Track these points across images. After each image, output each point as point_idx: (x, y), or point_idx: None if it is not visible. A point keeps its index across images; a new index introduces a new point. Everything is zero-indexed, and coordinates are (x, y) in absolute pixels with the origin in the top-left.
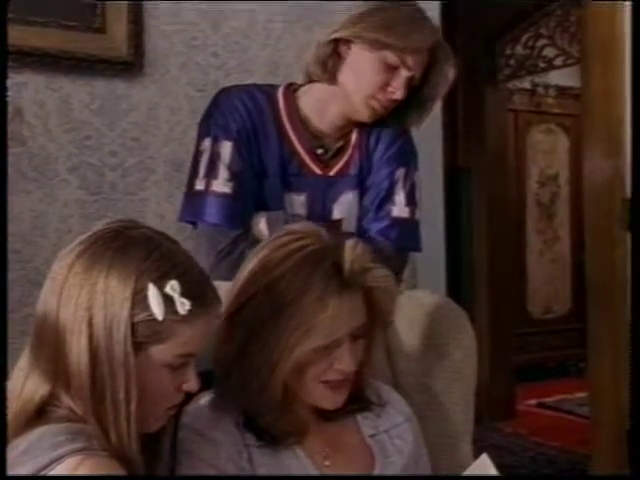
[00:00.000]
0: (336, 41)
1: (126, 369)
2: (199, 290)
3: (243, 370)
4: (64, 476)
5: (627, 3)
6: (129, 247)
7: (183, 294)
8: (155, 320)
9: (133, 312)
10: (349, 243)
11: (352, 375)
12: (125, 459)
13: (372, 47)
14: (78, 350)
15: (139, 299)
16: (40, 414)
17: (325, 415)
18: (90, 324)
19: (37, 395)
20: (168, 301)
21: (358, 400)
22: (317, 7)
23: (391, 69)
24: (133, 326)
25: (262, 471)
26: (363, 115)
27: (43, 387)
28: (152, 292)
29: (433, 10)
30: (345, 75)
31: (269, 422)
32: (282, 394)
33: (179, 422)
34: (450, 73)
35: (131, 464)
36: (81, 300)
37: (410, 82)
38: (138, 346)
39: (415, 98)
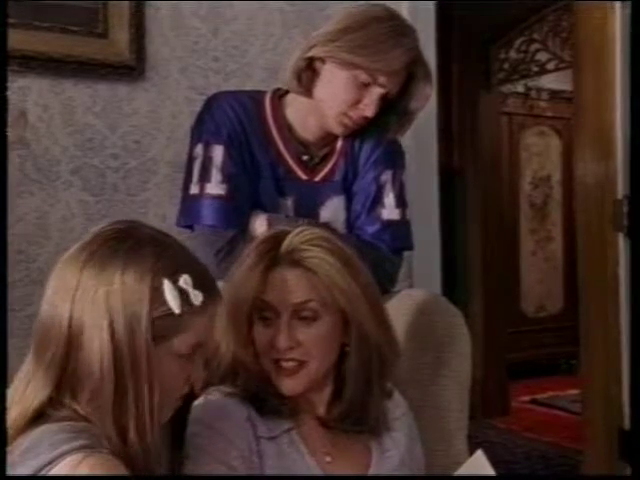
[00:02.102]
0: (311, 57)
1: (149, 363)
2: (207, 282)
3: (223, 357)
4: (64, 476)
5: (618, 9)
6: (140, 246)
7: (195, 287)
8: (172, 314)
9: (151, 308)
10: (299, 228)
11: (300, 359)
12: (138, 454)
13: (344, 67)
14: (101, 349)
15: (156, 295)
16: (38, 418)
17: (328, 426)
18: (111, 323)
19: (37, 400)
20: (183, 294)
21: (364, 422)
22: (315, 13)
23: (363, 86)
24: (152, 321)
25: (268, 465)
26: (336, 130)
27: (43, 392)
28: (168, 287)
29: (428, 15)
30: (319, 90)
31: (260, 394)
32: (260, 372)
33: (189, 417)
34: (427, 90)
35: (149, 456)
36: (98, 300)
37: (384, 98)
38: (157, 340)
39: (395, 110)
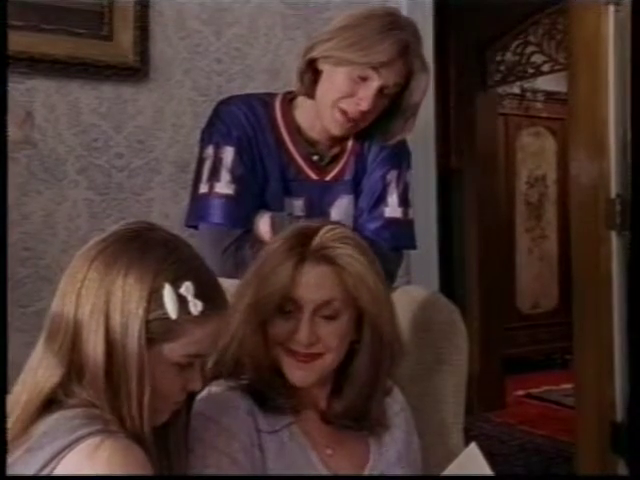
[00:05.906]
0: (310, 59)
1: (139, 363)
2: (211, 293)
3: (235, 350)
4: (65, 476)
5: (611, 11)
6: (148, 248)
7: (196, 295)
8: (169, 319)
9: (148, 309)
10: (329, 225)
11: (317, 352)
12: (141, 444)
13: (340, 64)
14: (95, 343)
15: (155, 297)
16: (49, 405)
17: (329, 422)
18: (107, 319)
19: (47, 385)
20: (182, 301)
21: (365, 420)
22: (315, 15)
23: (360, 81)
24: (147, 323)
25: (270, 458)
26: (332, 128)
27: (53, 378)
28: (167, 292)
29: (426, 19)
30: (319, 89)
31: (265, 390)
32: (268, 365)
33: (191, 410)
34: (424, 81)
35: (146, 451)
36: (99, 295)
37: (383, 93)
38: (151, 342)
39: (397, 106)
